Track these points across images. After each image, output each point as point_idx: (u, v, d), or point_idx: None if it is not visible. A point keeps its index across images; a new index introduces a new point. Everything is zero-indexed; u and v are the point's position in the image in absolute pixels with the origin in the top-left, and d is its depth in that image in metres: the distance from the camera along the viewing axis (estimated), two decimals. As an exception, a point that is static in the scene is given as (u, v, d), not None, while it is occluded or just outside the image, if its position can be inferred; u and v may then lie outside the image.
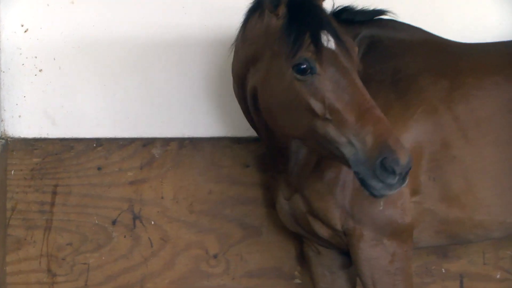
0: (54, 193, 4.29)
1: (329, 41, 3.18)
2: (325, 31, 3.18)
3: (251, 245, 4.37)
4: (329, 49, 3.16)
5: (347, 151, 3.09)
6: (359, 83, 3.15)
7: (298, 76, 3.15)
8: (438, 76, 3.61)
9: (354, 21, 3.70)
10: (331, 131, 3.12)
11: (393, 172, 3.01)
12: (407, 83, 3.58)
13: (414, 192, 3.55)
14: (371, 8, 3.76)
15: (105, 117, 4.34)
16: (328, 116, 3.12)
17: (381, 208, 3.52)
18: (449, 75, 3.61)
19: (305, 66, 3.14)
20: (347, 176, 3.50)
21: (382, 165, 3.02)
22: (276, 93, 3.23)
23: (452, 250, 4.36)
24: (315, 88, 3.15)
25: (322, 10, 3.28)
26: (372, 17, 3.75)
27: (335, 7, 3.71)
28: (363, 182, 3.08)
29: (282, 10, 3.25)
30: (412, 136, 3.51)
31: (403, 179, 3.06)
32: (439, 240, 3.71)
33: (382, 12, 3.76)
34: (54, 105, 4.33)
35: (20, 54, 4.29)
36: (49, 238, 4.28)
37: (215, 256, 4.36)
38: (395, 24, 3.79)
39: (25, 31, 4.28)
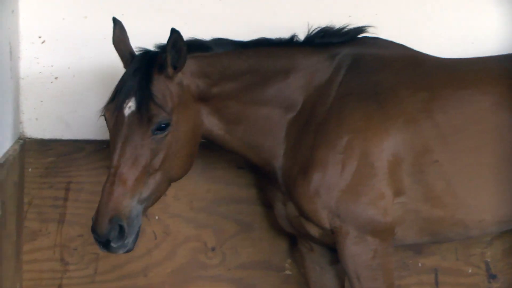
0: (67, 190, 4.29)
1: (118, 106, 3.33)
2: (120, 97, 3.33)
3: (245, 239, 4.37)
4: (115, 114, 3.34)
5: None
6: (120, 149, 3.28)
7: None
8: (417, 88, 3.61)
9: (332, 43, 3.71)
10: None
11: (93, 232, 3.27)
12: (387, 95, 3.57)
13: (398, 193, 3.54)
14: (352, 26, 3.76)
15: (113, 121, 4.32)
16: None
17: None
18: (427, 87, 3.61)
19: (105, 119, 3.42)
20: (332, 179, 3.50)
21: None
22: None
23: (427, 247, 4.36)
24: None
25: (143, 72, 3.36)
26: (353, 36, 3.76)
27: (310, 30, 3.74)
28: None
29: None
30: (393, 143, 3.51)
31: (107, 245, 3.26)
32: (423, 238, 3.71)
33: (363, 30, 3.77)
34: (68, 109, 4.34)
35: (38, 63, 4.28)
36: (62, 230, 4.28)
37: (212, 249, 4.36)
38: (377, 42, 3.80)
39: (42, 42, 4.29)
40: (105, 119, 3.40)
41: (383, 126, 3.51)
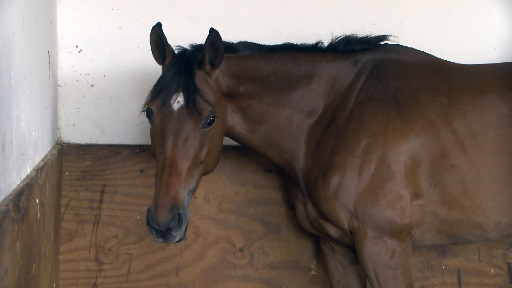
0: (102, 192, 4.37)
1: (166, 101, 3.34)
2: (167, 92, 3.34)
3: (272, 240, 4.41)
4: (163, 108, 3.34)
5: None
6: (172, 142, 3.31)
7: (149, 120, 3.43)
8: (436, 94, 3.62)
9: (355, 50, 3.76)
10: None
11: (149, 223, 3.24)
12: (407, 100, 3.61)
13: (416, 196, 3.58)
14: (374, 35, 3.81)
15: (146, 126, 4.33)
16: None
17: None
18: (447, 93, 3.62)
19: (148, 114, 3.40)
20: (350, 181, 3.55)
21: (147, 216, 3.25)
22: None
23: (450, 248, 4.36)
24: (151, 133, 3.45)
25: (187, 69, 3.39)
26: (375, 43, 3.80)
27: (333, 38, 3.79)
28: None
29: (167, 61, 3.45)
30: (411, 147, 3.55)
31: (167, 234, 3.25)
32: (441, 240, 3.73)
33: (384, 38, 3.81)
34: (104, 115, 4.42)
35: (75, 71, 4.38)
36: (97, 231, 4.36)
37: (240, 249, 4.41)
38: (398, 48, 3.83)
39: (79, 52, 4.38)
40: (150, 114, 3.40)
41: (402, 131, 3.54)
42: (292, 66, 3.69)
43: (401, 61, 3.74)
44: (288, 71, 3.68)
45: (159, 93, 3.36)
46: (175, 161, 3.28)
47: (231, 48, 3.66)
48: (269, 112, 3.66)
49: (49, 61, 4.03)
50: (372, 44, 3.78)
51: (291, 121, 3.69)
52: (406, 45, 3.87)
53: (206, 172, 3.53)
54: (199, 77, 3.40)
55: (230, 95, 3.60)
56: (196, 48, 3.58)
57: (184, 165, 3.29)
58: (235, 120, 3.64)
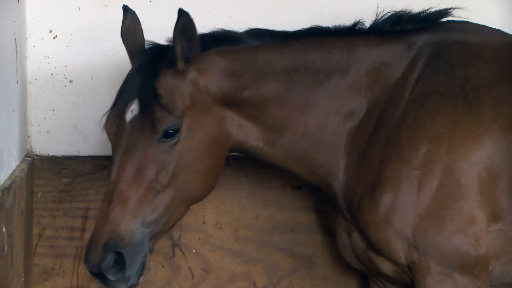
0: (85, 218, 4.37)
1: (120, 112, 3.38)
2: (124, 100, 3.38)
3: (304, 278, 4.40)
4: (118, 120, 3.38)
5: None
6: (119, 161, 3.34)
7: None
8: None
9: (407, 30, 3.71)
10: None
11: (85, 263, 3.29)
12: (480, 94, 3.55)
13: (495, 218, 3.52)
14: (433, 9, 3.74)
15: (141, 132, 4.40)
16: None
17: None
18: None
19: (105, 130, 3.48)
20: (407, 201, 3.50)
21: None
22: None
23: (540, 288, 4.32)
24: None
25: (150, 68, 3.40)
26: (435, 21, 3.75)
27: (379, 15, 3.72)
28: None
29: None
30: (486, 155, 3.49)
31: (105, 278, 3.27)
32: None
33: (447, 12, 3.76)
34: (86, 119, 4.43)
35: (48, 63, 4.39)
36: (79, 268, 4.36)
37: (264, 290, 4.40)
38: (465, 26, 3.78)
39: (54, 38, 4.39)
40: (106, 132, 3.46)
41: (474, 134, 3.49)
42: (320, 55, 3.65)
43: (470, 43, 3.69)
44: (315, 63, 3.64)
45: (116, 102, 3.43)
46: (120, 186, 3.30)
47: (232, 38, 3.62)
48: (292, 117, 3.63)
49: (16, 51, 4.04)
50: (430, 21, 3.73)
51: (324, 127, 3.66)
52: (476, 22, 3.82)
53: (188, 200, 3.51)
54: (165, 78, 3.39)
55: (230, 101, 3.56)
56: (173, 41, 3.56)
57: (132, 190, 3.31)
58: (246, 132, 3.62)
